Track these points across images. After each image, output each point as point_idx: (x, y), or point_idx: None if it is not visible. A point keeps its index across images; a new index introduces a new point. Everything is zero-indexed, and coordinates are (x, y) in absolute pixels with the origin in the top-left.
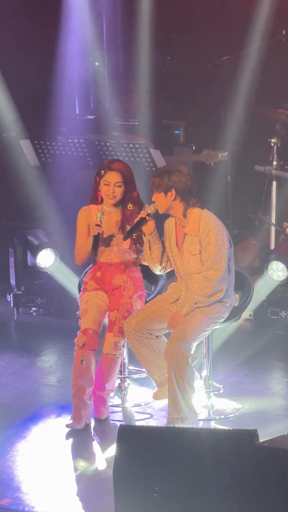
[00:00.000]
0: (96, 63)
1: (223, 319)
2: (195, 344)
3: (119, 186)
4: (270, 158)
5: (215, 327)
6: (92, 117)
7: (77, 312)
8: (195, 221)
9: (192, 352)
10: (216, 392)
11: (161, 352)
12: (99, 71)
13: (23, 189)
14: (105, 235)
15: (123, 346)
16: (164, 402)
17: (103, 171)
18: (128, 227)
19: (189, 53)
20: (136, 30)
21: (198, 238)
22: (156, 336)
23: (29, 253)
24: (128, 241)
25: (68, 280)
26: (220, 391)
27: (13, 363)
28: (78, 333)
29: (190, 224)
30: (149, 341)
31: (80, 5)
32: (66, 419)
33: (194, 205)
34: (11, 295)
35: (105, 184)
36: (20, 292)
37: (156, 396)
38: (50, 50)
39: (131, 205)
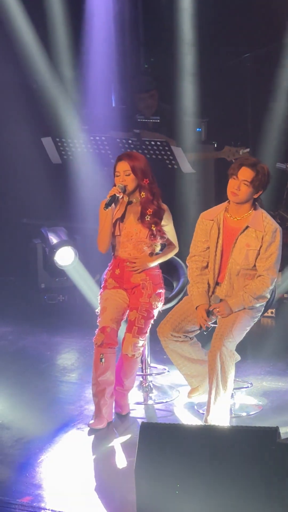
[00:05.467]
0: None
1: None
2: (237, 343)
3: (128, 175)
4: None
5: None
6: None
7: (96, 310)
8: (259, 217)
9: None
10: (243, 389)
11: (196, 353)
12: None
13: (45, 187)
14: (124, 227)
15: (142, 346)
16: (188, 400)
17: (115, 164)
18: (148, 217)
19: (211, 51)
20: (158, 27)
21: (262, 234)
22: (190, 338)
23: (48, 251)
24: (146, 230)
25: (83, 280)
26: (247, 388)
27: (35, 361)
28: (96, 331)
29: (254, 219)
30: (185, 344)
31: (103, 2)
32: (88, 417)
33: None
34: None
35: (116, 176)
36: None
37: (191, 394)
38: (72, 47)
39: (143, 193)
